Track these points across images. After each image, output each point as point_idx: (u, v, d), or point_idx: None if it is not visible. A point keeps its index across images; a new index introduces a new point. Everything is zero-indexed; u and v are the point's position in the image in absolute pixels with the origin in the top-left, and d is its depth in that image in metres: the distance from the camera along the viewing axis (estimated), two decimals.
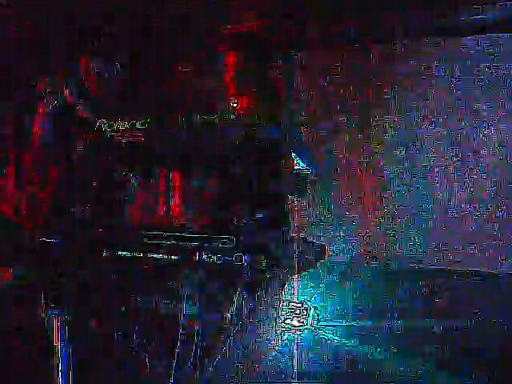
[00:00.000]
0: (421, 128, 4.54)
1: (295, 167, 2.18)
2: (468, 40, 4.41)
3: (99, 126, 2.09)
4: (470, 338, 3.90)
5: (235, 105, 2.54)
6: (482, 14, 4.03)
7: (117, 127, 2.06)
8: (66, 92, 3.21)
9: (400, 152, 4.58)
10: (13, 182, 2.82)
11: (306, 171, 2.27)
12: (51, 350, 2.25)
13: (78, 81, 3.26)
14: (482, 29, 4.16)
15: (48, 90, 3.20)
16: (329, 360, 4.00)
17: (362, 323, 4.35)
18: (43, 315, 2.21)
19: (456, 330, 3.98)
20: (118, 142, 2.10)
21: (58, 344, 2.24)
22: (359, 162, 4.69)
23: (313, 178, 2.44)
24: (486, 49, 4.31)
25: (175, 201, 2.14)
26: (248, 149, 1.92)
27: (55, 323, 2.22)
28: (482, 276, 4.25)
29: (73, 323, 2.22)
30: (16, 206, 2.60)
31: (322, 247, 2.44)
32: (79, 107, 3.09)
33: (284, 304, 4.03)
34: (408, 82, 4.53)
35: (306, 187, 2.40)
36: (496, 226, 4.30)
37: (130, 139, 2.05)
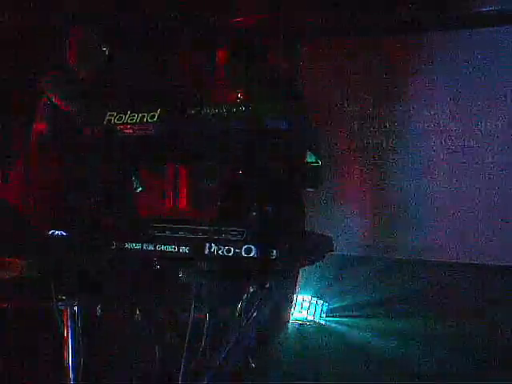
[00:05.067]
0: (423, 121, 4.54)
1: (307, 159, 2.18)
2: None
3: (109, 120, 2.09)
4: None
5: (243, 97, 2.54)
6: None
7: (126, 120, 2.06)
8: (67, 88, 3.22)
9: (401, 145, 4.58)
10: (21, 175, 2.84)
11: (316, 163, 2.26)
12: (61, 341, 2.27)
13: (75, 76, 3.28)
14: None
15: (51, 86, 3.21)
16: (336, 353, 4.01)
17: (368, 317, 4.36)
18: (53, 307, 2.22)
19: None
20: (127, 136, 2.10)
21: (68, 335, 2.25)
22: (360, 155, 4.70)
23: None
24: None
25: (184, 193, 2.15)
26: (257, 141, 1.92)
27: (65, 315, 2.24)
28: (482, 268, 4.26)
29: (83, 315, 2.24)
30: (25, 199, 2.61)
31: (330, 240, 2.44)
32: (81, 102, 3.10)
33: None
34: (411, 75, 4.52)
35: (319, 178, 2.40)
36: (496, 220, 4.30)
37: (139, 132, 2.06)
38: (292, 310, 4.25)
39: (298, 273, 3.04)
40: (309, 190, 2.27)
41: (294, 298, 4.39)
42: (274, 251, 1.82)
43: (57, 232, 2.21)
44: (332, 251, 2.47)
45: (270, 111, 1.94)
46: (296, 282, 3.02)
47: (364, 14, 4.48)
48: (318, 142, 2.29)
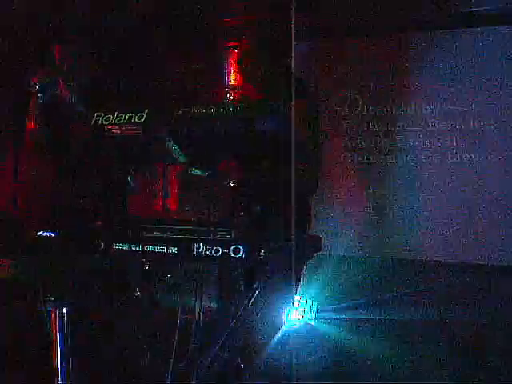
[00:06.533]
0: (420, 122, 4.56)
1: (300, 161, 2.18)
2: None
3: (96, 120, 2.09)
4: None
5: (234, 97, 2.54)
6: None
7: (114, 121, 2.06)
8: (60, 85, 3.21)
9: (397, 146, 4.61)
10: (10, 176, 2.82)
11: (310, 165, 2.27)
12: (50, 343, 2.26)
13: (68, 74, 3.27)
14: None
15: (42, 84, 3.19)
16: (326, 354, 4.01)
17: (358, 316, 4.36)
18: (42, 308, 2.21)
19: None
20: (116, 136, 2.10)
21: (56, 337, 2.24)
22: (355, 156, 4.71)
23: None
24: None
25: (173, 194, 2.15)
26: (245, 140, 1.93)
27: (53, 316, 2.23)
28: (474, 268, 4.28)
29: (71, 316, 2.23)
30: (14, 200, 2.60)
31: (318, 240, 2.45)
32: (73, 100, 3.09)
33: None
34: (408, 75, 4.54)
35: (315, 182, 2.40)
36: (493, 219, 4.33)
37: (127, 133, 2.06)
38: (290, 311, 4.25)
39: (302, 271, 3.00)
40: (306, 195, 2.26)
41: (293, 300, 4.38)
42: (262, 251, 1.83)
43: (45, 233, 2.21)
44: (321, 251, 2.48)
45: (258, 111, 1.95)
46: (298, 281, 2.98)
47: (362, 15, 4.49)
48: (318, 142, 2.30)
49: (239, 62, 3.12)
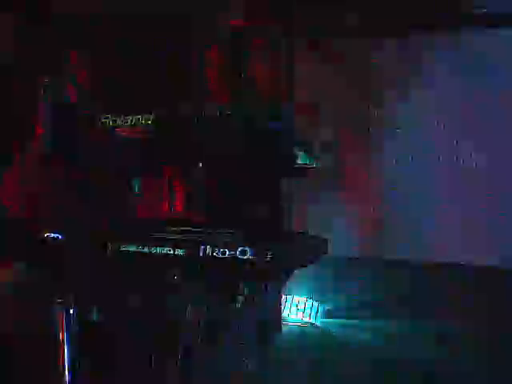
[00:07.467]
0: (421, 121, 4.57)
1: (298, 160, 2.18)
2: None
3: (103, 122, 2.10)
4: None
5: (235, 98, 2.55)
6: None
7: (121, 122, 2.06)
8: (69, 88, 3.22)
9: (399, 146, 4.61)
10: (16, 177, 2.83)
11: (308, 164, 2.27)
12: (56, 345, 2.27)
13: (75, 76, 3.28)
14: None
15: (50, 87, 3.20)
16: (332, 355, 4.01)
17: (363, 318, 4.37)
18: (48, 311, 2.22)
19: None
20: (122, 138, 2.10)
21: (63, 339, 2.25)
22: (355, 155, 4.72)
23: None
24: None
25: (179, 195, 2.15)
26: (253, 142, 1.93)
27: (60, 319, 2.24)
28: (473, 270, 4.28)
29: (78, 318, 2.24)
30: (19, 202, 2.61)
31: (325, 241, 2.45)
32: (81, 103, 3.10)
33: (288, 298, 4.05)
34: (408, 72, 4.55)
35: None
36: (495, 220, 4.32)
37: (135, 135, 2.06)
38: (284, 309, 4.27)
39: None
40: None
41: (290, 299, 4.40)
42: (269, 253, 1.83)
43: (52, 235, 2.21)
44: (327, 253, 2.48)
45: (265, 112, 1.96)
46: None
47: (363, 15, 4.50)
48: (308, 141, 2.30)
49: (244, 62, 3.12)
